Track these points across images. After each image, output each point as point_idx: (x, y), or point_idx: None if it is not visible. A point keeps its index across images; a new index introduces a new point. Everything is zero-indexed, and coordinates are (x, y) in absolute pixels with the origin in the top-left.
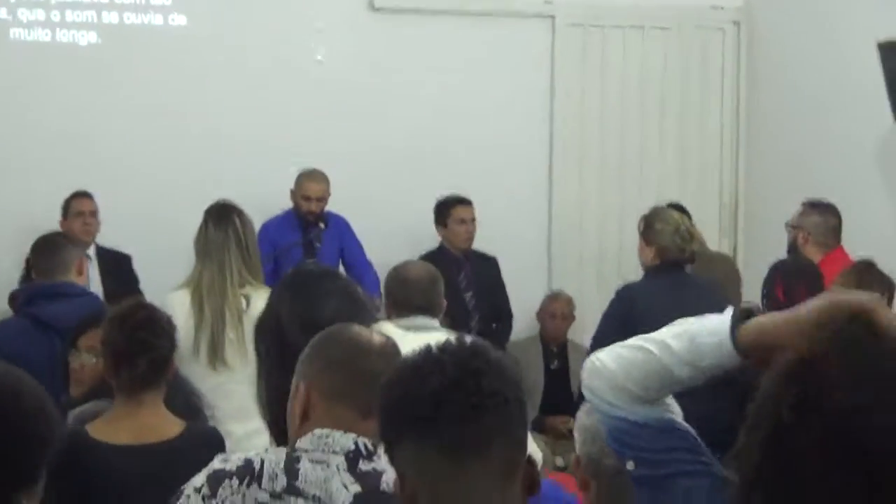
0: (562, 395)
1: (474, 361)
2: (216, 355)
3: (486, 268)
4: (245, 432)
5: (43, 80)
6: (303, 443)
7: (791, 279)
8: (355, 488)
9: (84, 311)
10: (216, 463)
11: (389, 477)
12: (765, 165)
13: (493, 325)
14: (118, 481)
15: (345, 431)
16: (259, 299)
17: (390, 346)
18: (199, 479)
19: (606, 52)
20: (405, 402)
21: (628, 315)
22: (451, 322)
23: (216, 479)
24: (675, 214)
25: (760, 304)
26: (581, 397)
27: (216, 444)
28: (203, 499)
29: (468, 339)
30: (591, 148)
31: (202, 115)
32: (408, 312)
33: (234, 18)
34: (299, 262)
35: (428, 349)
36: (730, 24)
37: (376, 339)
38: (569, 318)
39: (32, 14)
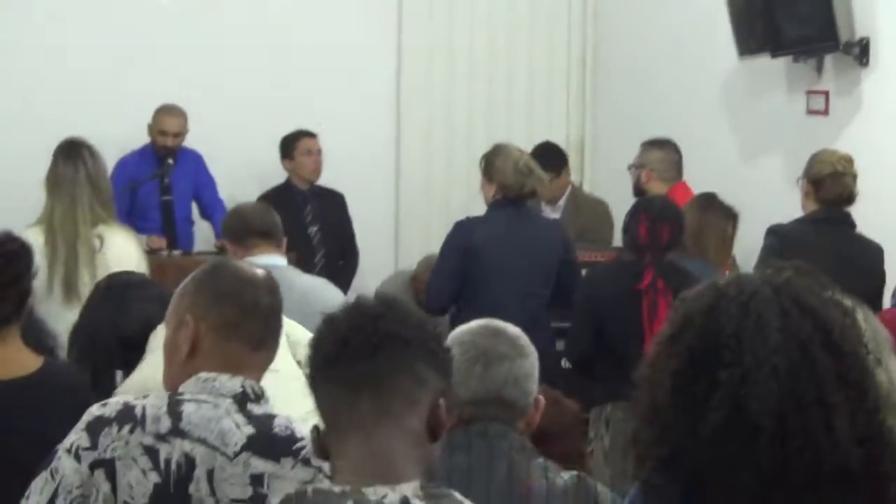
0: None
1: (378, 308)
2: (71, 290)
3: (333, 203)
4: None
5: None
6: (186, 387)
7: (656, 219)
8: (248, 429)
9: None
10: (94, 409)
11: (281, 421)
12: (611, 106)
13: (339, 262)
14: None
15: (236, 369)
16: (112, 238)
17: (272, 280)
18: (74, 434)
19: None
20: (316, 347)
21: (467, 246)
22: (296, 257)
23: (96, 428)
24: (515, 150)
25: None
26: None
27: (73, 380)
28: (77, 457)
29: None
30: (438, 88)
31: (55, 54)
32: (247, 239)
33: None
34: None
35: (343, 306)
36: None
37: (259, 272)
38: None
39: None
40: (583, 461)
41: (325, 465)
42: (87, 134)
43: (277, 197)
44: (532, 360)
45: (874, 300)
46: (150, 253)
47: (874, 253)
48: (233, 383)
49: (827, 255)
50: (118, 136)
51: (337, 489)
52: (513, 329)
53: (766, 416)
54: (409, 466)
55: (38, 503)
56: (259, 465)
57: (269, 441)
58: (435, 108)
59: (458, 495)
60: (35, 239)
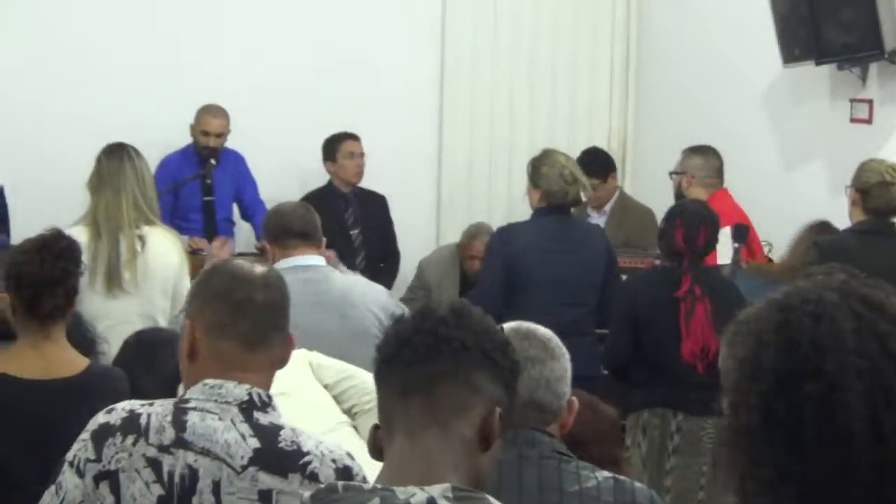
0: None
1: (444, 312)
2: (113, 281)
3: (375, 205)
4: None
5: None
6: (192, 393)
7: (692, 224)
8: (254, 442)
9: None
10: (100, 417)
11: (287, 434)
12: (653, 111)
13: (381, 264)
14: (25, 415)
15: (233, 370)
16: (154, 239)
17: (273, 276)
18: (79, 444)
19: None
20: (379, 347)
21: (508, 252)
22: (337, 256)
23: (101, 437)
24: (562, 157)
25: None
26: None
27: (119, 382)
28: (80, 471)
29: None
30: (482, 91)
31: (97, 54)
32: (285, 239)
33: None
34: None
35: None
36: None
37: (258, 269)
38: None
39: None
40: (618, 467)
41: (331, 480)
42: (131, 135)
43: (319, 199)
44: (564, 362)
45: None
46: (192, 253)
47: None
48: (239, 391)
49: (870, 266)
50: (163, 138)
51: (367, 486)
52: (543, 331)
53: (857, 421)
54: (449, 470)
55: None
56: (267, 480)
57: (276, 456)
58: (477, 112)
59: (492, 500)
60: (77, 237)
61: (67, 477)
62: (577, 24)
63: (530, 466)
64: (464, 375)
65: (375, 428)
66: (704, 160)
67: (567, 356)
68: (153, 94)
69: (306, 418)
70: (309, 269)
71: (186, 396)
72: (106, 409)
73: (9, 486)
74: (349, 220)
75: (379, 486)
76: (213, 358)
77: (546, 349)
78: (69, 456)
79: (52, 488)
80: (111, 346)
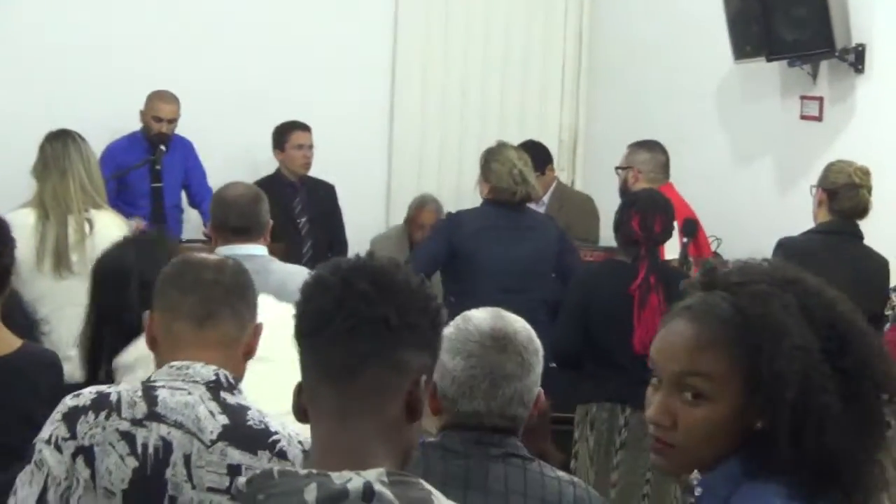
0: None
1: (361, 284)
2: (61, 262)
3: (323, 194)
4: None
5: None
6: (158, 375)
7: (647, 212)
8: (223, 419)
9: None
10: (68, 400)
11: (254, 414)
12: (605, 105)
13: (328, 253)
14: None
15: (184, 348)
16: (101, 223)
17: (231, 263)
18: (51, 425)
19: None
20: (298, 318)
21: (452, 235)
22: (284, 248)
23: (73, 417)
24: (513, 155)
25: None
26: None
27: (52, 363)
28: (59, 448)
29: (376, 260)
30: (434, 83)
31: (48, 37)
32: (226, 235)
33: None
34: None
35: (335, 266)
36: None
37: (212, 256)
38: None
39: None
40: (546, 459)
41: (298, 460)
42: (76, 119)
43: (267, 187)
44: (538, 370)
45: (879, 315)
46: None
47: (880, 267)
48: (206, 371)
49: (834, 268)
50: (108, 122)
51: (303, 472)
52: (521, 336)
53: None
54: (380, 453)
55: (30, 495)
56: (236, 455)
57: (244, 433)
58: (429, 105)
59: (425, 484)
60: (24, 219)
61: (47, 454)
62: (530, 17)
63: (496, 466)
64: (389, 356)
65: (299, 389)
66: (650, 155)
67: (541, 360)
68: (100, 81)
69: (284, 386)
70: (246, 258)
71: (153, 378)
72: (72, 394)
73: None
74: (297, 208)
75: (314, 470)
76: (169, 341)
77: (523, 364)
78: (44, 435)
79: (29, 468)
80: (57, 328)
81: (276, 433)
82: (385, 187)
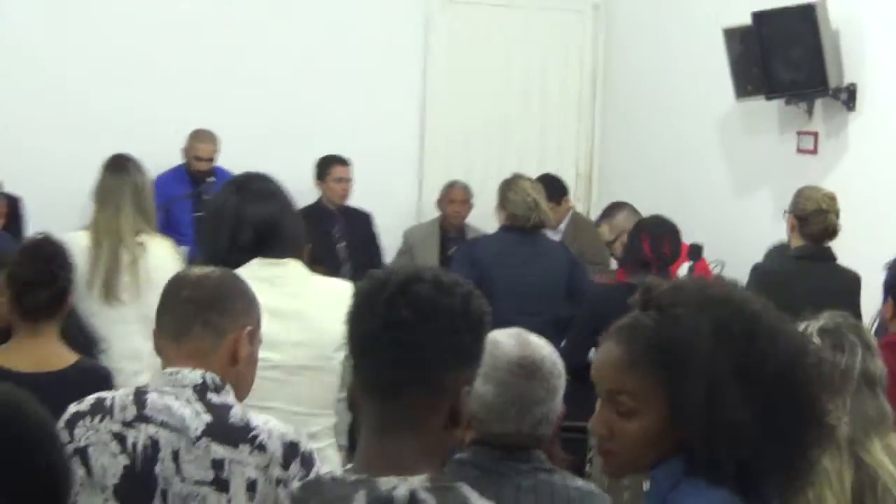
0: None
1: (405, 311)
2: (110, 292)
3: (360, 222)
4: (134, 370)
5: None
6: (153, 380)
7: (656, 235)
8: (206, 417)
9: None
10: (71, 407)
11: (237, 412)
12: (617, 141)
13: None
14: None
15: (165, 359)
16: (153, 247)
17: (211, 277)
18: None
19: (477, 28)
20: (348, 335)
21: (473, 258)
22: (323, 271)
23: (73, 422)
24: (527, 185)
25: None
26: None
27: (104, 377)
28: (69, 448)
29: (421, 283)
30: (460, 121)
31: (103, 73)
32: None
33: None
34: None
35: (381, 286)
36: (589, 7)
37: (200, 272)
38: (467, 203)
39: None
40: (553, 460)
41: (278, 453)
42: (125, 149)
43: (308, 215)
44: (561, 392)
45: None
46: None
47: (851, 283)
48: (194, 375)
49: (806, 289)
50: (154, 155)
51: (352, 478)
52: (548, 363)
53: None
54: (422, 460)
55: None
56: (219, 450)
57: (227, 429)
58: (455, 141)
59: (466, 487)
60: (79, 241)
61: None
62: (549, 61)
63: (526, 480)
64: (430, 380)
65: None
66: (625, 212)
67: (563, 381)
68: (153, 113)
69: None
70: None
71: (148, 383)
72: (77, 401)
73: None
74: (335, 235)
75: (363, 476)
76: (161, 353)
77: (549, 389)
78: None
79: None
80: (110, 343)
81: (255, 428)
82: (415, 214)
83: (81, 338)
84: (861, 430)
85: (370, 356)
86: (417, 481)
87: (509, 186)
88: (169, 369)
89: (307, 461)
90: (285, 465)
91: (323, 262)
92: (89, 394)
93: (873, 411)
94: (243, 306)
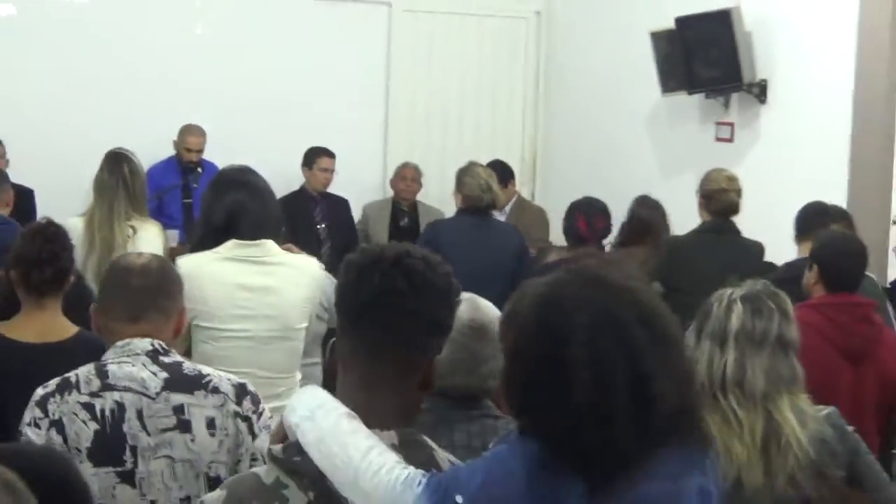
0: None
1: (399, 282)
2: (103, 269)
3: (339, 207)
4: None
5: None
6: (107, 355)
7: (590, 213)
8: (163, 375)
9: (7, 236)
10: (39, 390)
11: (188, 366)
12: (558, 130)
13: (344, 254)
14: (24, 371)
15: (123, 336)
16: (143, 230)
17: (153, 265)
18: (29, 412)
19: (434, 35)
20: (341, 299)
21: (435, 242)
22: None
23: (43, 402)
24: (481, 170)
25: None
26: None
27: (100, 347)
28: (37, 426)
29: (412, 259)
30: (420, 114)
31: (105, 75)
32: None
33: None
34: None
35: (377, 258)
36: (533, 14)
37: (141, 260)
38: (416, 181)
39: None
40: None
41: (231, 393)
42: (129, 142)
43: (293, 200)
44: None
45: None
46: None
47: (755, 251)
48: (143, 343)
49: (709, 258)
50: (149, 147)
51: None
52: (495, 325)
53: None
54: (398, 415)
55: None
56: (178, 398)
57: (182, 380)
58: (415, 132)
59: (428, 442)
60: (76, 227)
61: (29, 433)
62: (497, 59)
63: (474, 425)
64: (415, 342)
65: (332, 347)
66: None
67: None
68: (149, 110)
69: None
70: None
71: (103, 358)
72: (42, 385)
73: (8, 428)
74: (317, 217)
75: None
76: (108, 331)
77: (496, 347)
78: (25, 420)
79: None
80: None
81: (207, 375)
82: (382, 194)
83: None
84: (774, 387)
85: (366, 320)
86: (387, 437)
87: (465, 172)
88: (119, 342)
89: (255, 399)
90: (238, 403)
91: (304, 242)
92: (87, 361)
93: (786, 371)
94: (180, 289)
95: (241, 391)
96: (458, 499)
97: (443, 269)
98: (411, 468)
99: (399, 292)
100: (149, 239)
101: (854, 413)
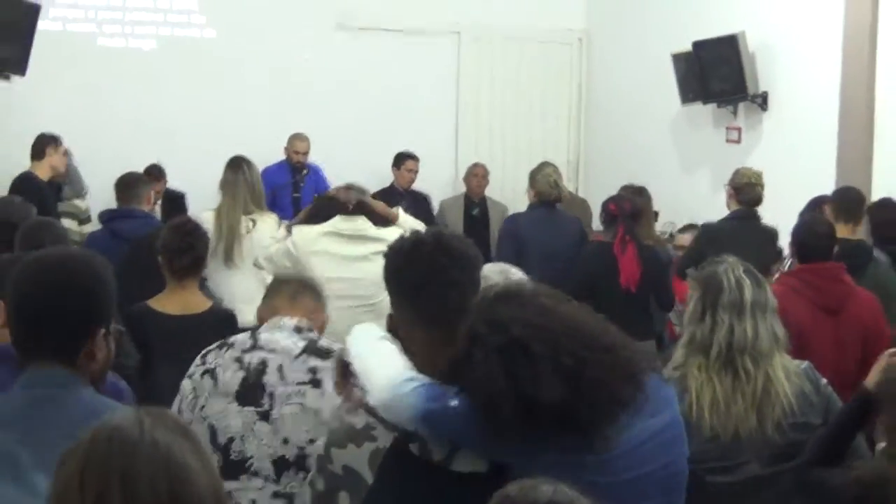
0: (479, 240)
1: (442, 258)
2: (229, 257)
3: (421, 201)
4: (251, 311)
5: (117, 75)
6: (262, 327)
7: (619, 198)
8: (302, 343)
9: (146, 228)
10: (206, 349)
11: (322, 341)
12: (597, 136)
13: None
14: (169, 337)
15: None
16: (262, 222)
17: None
18: (194, 365)
19: (494, 58)
20: (398, 279)
21: (515, 230)
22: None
23: (205, 354)
24: (550, 169)
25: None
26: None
27: (229, 317)
28: (191, 376)
29: (448, 238)
30: (484, 126)
31: (235, 99)
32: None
33: (251, 30)
34: None
35: (420, 242)
36: (576, 40)
37: (291, 278)
38: (485, 178)
39: (112, 27)
40: None
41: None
42: (248, 150)
43: (384, 195)
44: None
45: (770, 265)
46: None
47: (770, 235)
48: (290, 321)
49: (740, 240)
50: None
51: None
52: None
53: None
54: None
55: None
56: (313, 361)
57: (317, 349)
58: (481, 140)
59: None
60: (208, 219)
61: (184, 384)
62: (549, 81)
63: None
64: (462, 307)
65: (390, 317)
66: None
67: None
68: (263, 122)
69: None
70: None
71: (259, 328)
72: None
73: (153, 384)
74: (404, 209)
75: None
76: (273, 310)
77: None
78: (189, 372)
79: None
80: (231, 291)
81: (336, 349)
82: (452, 191)
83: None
84: (773, 347)
85: (421, 293)
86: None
87: (538, 171)
88: (272, 319)
89: None
90: None
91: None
92: (220, 329)
93: (779, 332)
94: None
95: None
96: (453, 402)
97: (469, 241)
98: (419, 375)
99: (444, 267)
100: (266, 228)
101: (837, 356)
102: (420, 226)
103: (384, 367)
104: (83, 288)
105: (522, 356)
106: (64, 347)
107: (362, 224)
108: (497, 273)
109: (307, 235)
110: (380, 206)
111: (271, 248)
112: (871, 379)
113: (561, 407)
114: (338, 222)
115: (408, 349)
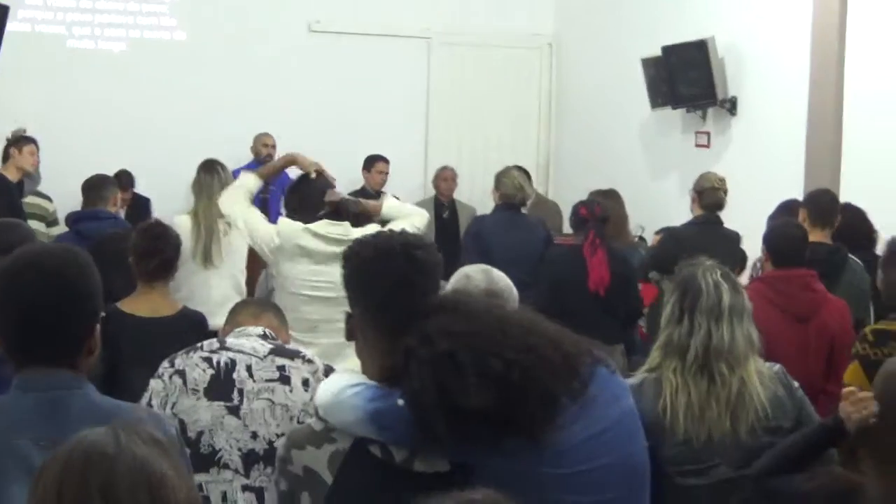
0: (449, 243)
1: (411, 268)
2: (207, 258)
3: None
4: (223, 313)
5: (87, 77)
6: (228, 336)
7: (590, 202)
8: (269, 346)
9: (112, 229)
10: (174, 355)
11: (289, 345)
12: (567, 139)
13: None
14: (138, 339)
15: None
16: (236, 226)
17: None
18: (161, 367)
19: (465, 63)
20: (364, 289)
21: (480, 232)
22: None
23: (173, 358)
24: (515, 172)
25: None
26: None
27: (200, 321)
28: (160, 376)
29: (411, 245)
30: (454, 129)
31: (204, 101)
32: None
33: (222, 34)
34: None
35: (390, 247)
36: (546, 45)
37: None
38: (454, 181)
39: (82, 29)
40: None
41: (321, 367)
42: (216, 152)
43: (357, 195)
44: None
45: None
46: None
47: (733, 239)
48: (256, 329)
49: (704, 245)
50: (234, 155)
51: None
52: (507, 290)
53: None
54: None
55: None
56: (280, 360)
57: (284, 351)
58: (450, 143)
59: None
60: (184, 222)
61: (152, 384)
62: (517, 85)
63: None
64: (418, 307)
65: (349, 315)
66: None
67: (517, 303)
68: (235, 125)
69: None
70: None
71: (225, 339)
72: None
73: (121, 387)
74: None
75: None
76: (238, 325)
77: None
78: (157, 373)
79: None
80: (206, 295)
81: (302, 351)
82: (423, 194)
83: None
84: (748, 351)
85: (384, 307)
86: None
87: (502, 174)
88: (237, 329)
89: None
90: (326, 374)
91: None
92: (190, 332)
93: (754, 336)
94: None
95: (328, 369)
96: (400, 401)
97: (433, 247)
98: (363, 380)
99: (410, 282)
100: (239, 234)
101: (801, 363)
102: (406, 209)
103: (330, 383)
104: (83, 288)
105: (451, 367)
106: (69, 350)
107: (347, 229)
108: (479, 272)
109: (293, 227)
110: (371, 205)
111: (258, 226)
112: (847, 409)
113: (496, 410)
114: (325, 225)
115: (362, 351)
